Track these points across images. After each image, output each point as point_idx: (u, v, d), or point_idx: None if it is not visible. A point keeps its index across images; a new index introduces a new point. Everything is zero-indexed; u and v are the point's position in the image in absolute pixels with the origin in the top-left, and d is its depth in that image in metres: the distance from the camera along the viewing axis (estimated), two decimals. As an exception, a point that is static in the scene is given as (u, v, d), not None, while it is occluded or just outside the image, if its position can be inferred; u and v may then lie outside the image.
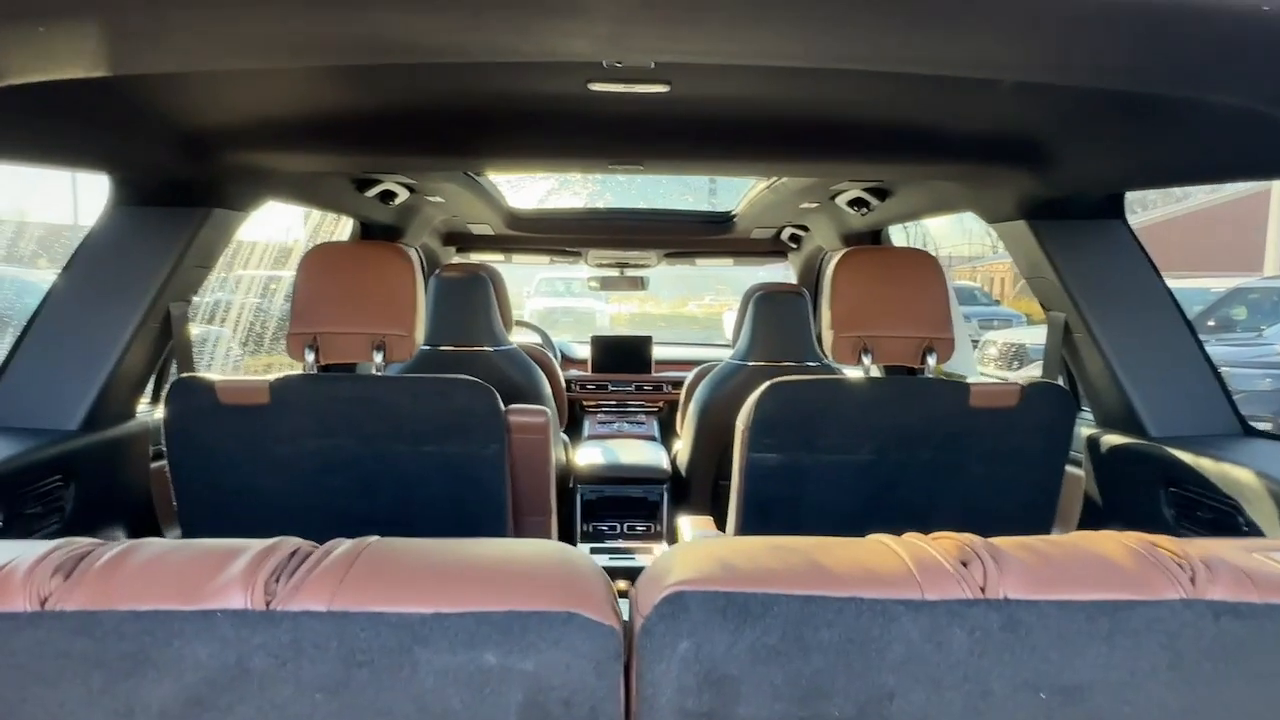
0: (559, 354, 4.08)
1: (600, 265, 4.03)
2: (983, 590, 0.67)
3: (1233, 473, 1.35)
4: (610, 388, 4.09)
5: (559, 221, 3.55)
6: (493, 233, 3.62)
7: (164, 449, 1.62)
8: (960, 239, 19.35)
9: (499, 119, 1.52)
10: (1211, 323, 9.53)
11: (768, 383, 1.68)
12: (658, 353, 4.15)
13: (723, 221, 3.54)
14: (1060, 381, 1.89)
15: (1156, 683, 0.67)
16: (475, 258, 3.95)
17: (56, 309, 1.59)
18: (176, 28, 0.62)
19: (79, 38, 0.64)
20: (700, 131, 1.59)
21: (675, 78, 1.14)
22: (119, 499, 1.70)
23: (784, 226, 3.50)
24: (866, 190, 2.39)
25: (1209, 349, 1.63)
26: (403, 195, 2.53)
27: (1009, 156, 1.52)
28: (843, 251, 1.78)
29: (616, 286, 4.14)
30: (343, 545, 0.72)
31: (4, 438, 1.43)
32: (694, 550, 0.74)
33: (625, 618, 0.71)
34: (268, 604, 0.65)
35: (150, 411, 1.86)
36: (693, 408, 2.81)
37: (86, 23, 0.60)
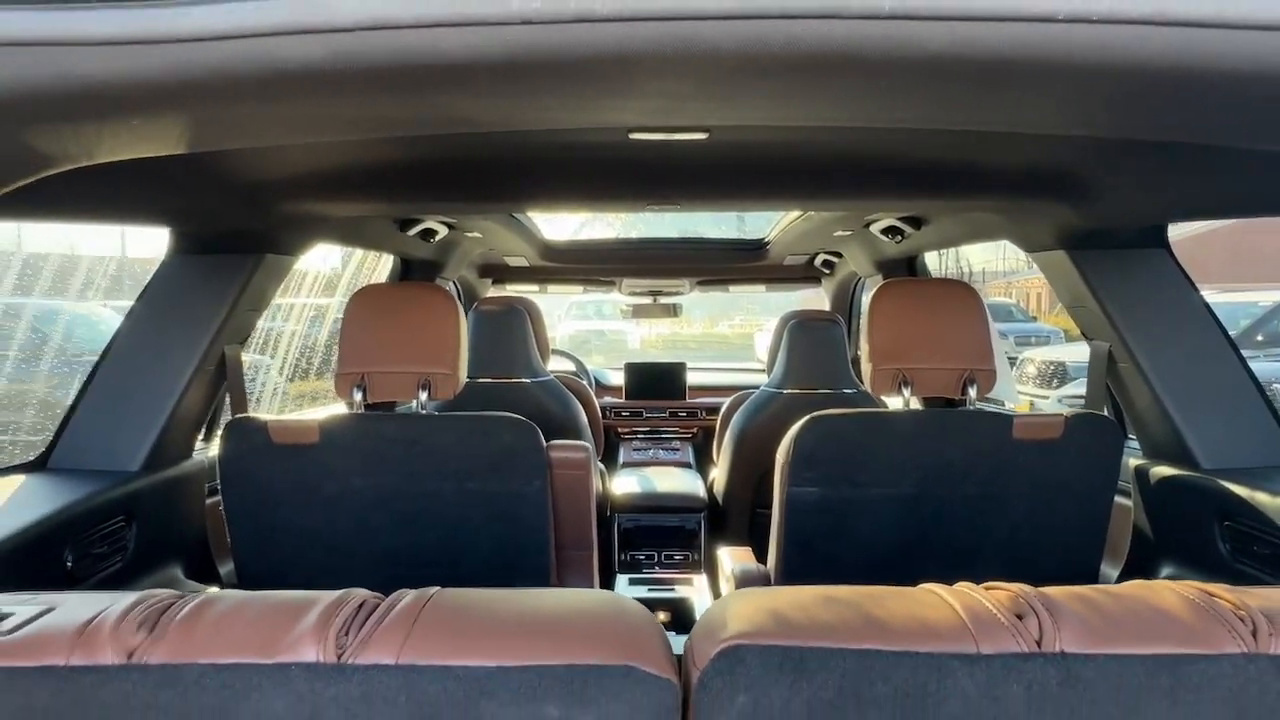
0: (593, 381, 4.12)
1: (634, 294, 4.07)
2: (1039, 644, 0.67)
3: None
4: (645, 414, 4.11)
5: (593, 252, 3.60)
6: (528, 264, 3.68)
7: (218, 486, 1.67)
8: (993, 254, 19.10)
9: (541, 166, 1.56)
10: (1260, 338, 9.26)
11: (807, 417, 1.69)
12: (691, 378, 4.17)
13: (755, 249, 3.56)
14: (1106, 412, 1.86)
15: None
16: (511, 289, 4.02)
17: (120, 354, 1.66)
18: (256, 114, 0.66)
19: (166, 126, 0.68)
20: (736, 172, 1.62)
21: (714, 127, 1.17)
22: (176, 536, 1.75)
23: (817, 253, 3.51)
24: (901, 220, 2.40)
25: (1257, 365, 1.60)
26: (442, 232, 2.60)
27: (1045, 190, 1.52)
28: (881, 283, 1.78)
29: (650, 314, 4.18)
30: (407, 597, 0.75)
31: (73, 481, 1.50)
32: (747, 602, 0.75)
33: (677, 661, 0.72)
34: (339, 657, 0.67)
35: (204, 450, 1.92)
36: (729, 435, 2.81)
37: (176, 115, 0.64)
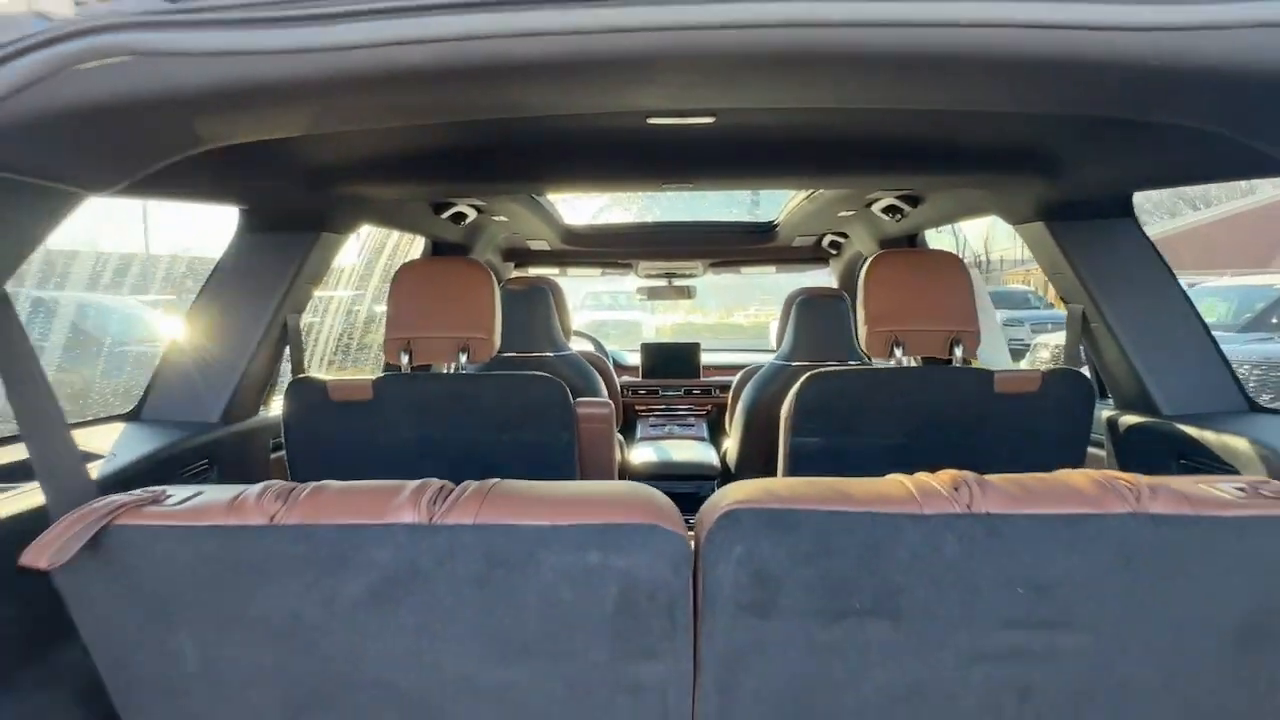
0: (611, 361, 4.32)
1: (649, 276, 4.26)
2: (969, 507, 0.87)
3: (1233, 443, 1.49)
4: (661, 392, 4.31)
5: (610, 235, 3.80)
6: (549, 248, 3.88)
7: (282, 441, 1.89)
8: (1009, 243, 19.06)
9: (566, 150, 1.76)
10: (1275, 319, 9.29)
11: (809, 374, 1.88)
12: (705, 359, 4.36)
13: (765, 231, 3.73)
14: (1086, 371, 2.03)
15: (1110, 579, 0.86)
16: (533, 271, 4.23)
17: (198, 319, 1.88)
18: (367, 103, 0.87)
19: (297, 114, 0.89)
20: (742, 153, 1.80)
21: (721, 112, 1.36)
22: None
23: (824, 234, 3.68)
24: (899, 198, 2.57)
25: (1272, 346, 1.75)
26: (471, 215, 2.80)
27: (1023, 166, 1.70)
28: (875, 254, 1.97)
29: (665, 296, 4.37)
30: (474, 484, 0.95)
31: (163, 429, 1.72)
32: (744, 484, 0.95)
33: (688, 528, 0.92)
34: (429, 520, 0.88)
35: (265, 410, 2.14)
36: (740, 407, 3.00)
37: (309, 105, 0.85)
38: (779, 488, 0.92)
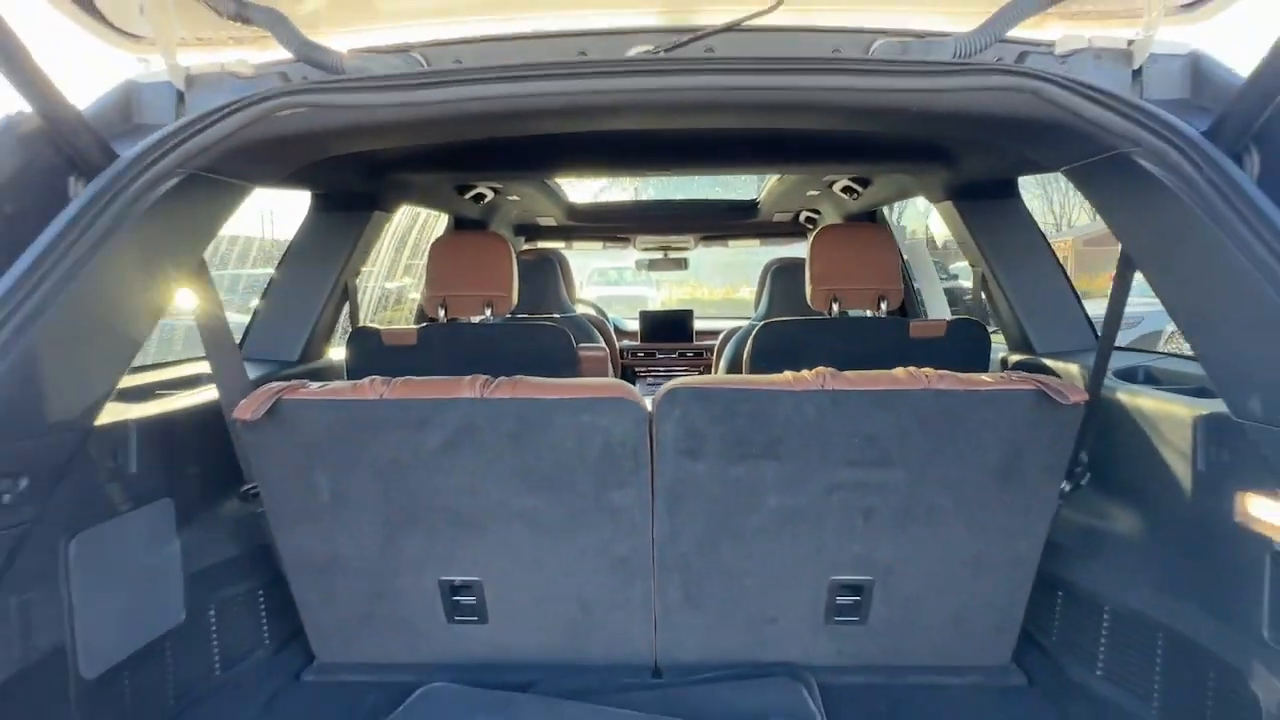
0: (613, 327, 4.82)
1: (646, 249, 4.74)
2: (823, 386, 1.36)
3: (1069, 369, 1.98)
4: (658, 355, 4.81)
5: (610, 212, 4.27)
6: (556, 224, 4.36)
7: (344, 379, 2.40)
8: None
9: (569, 144, 2.24)
10: None
11: (763, 323, 2.37)
12: (699, 325, 4.85)
13: (749, 208, 4.20)
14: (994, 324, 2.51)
15: (913, 433, 1.36)
16: (541, 245, 4.71)
17: (281, 279, 2.38)
18: (436, 130, 1.36)
19: (383, 135, 1.38)
20: (712, 147, 2.28)
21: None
22: None
23: (799, 211, 4.15)
24: (852, 180, 3.04)
25: None
26: (489, 195, 3.29)
27: (927, 159, 2.17)
28: (820, 228, 2.45)
29: (661, 267, 4.85)
30: (509, 378, 1.45)
31: (261, 364, 2.23)
32: (685, 377, 1.45)
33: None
34: (482, 395, 1.38)
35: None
36: (723, 363, 3.50)
37: (395, 132, 1.34)
38: (704, 380, 1.42)
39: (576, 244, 4.76)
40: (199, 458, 1.59)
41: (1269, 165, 1.13)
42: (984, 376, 1.37)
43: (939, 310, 3.36)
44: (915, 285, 3.46)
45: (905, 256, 3.48)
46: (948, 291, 3.95)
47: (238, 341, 2.36)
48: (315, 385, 1.44)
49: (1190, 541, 1.36)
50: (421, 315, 2.28)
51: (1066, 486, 1.51)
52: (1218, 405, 1.27)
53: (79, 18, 1.31)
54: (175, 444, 1.52)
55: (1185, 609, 1.35)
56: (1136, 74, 1.30)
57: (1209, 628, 1.28)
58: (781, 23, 1.31)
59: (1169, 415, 1.39)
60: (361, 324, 2.49)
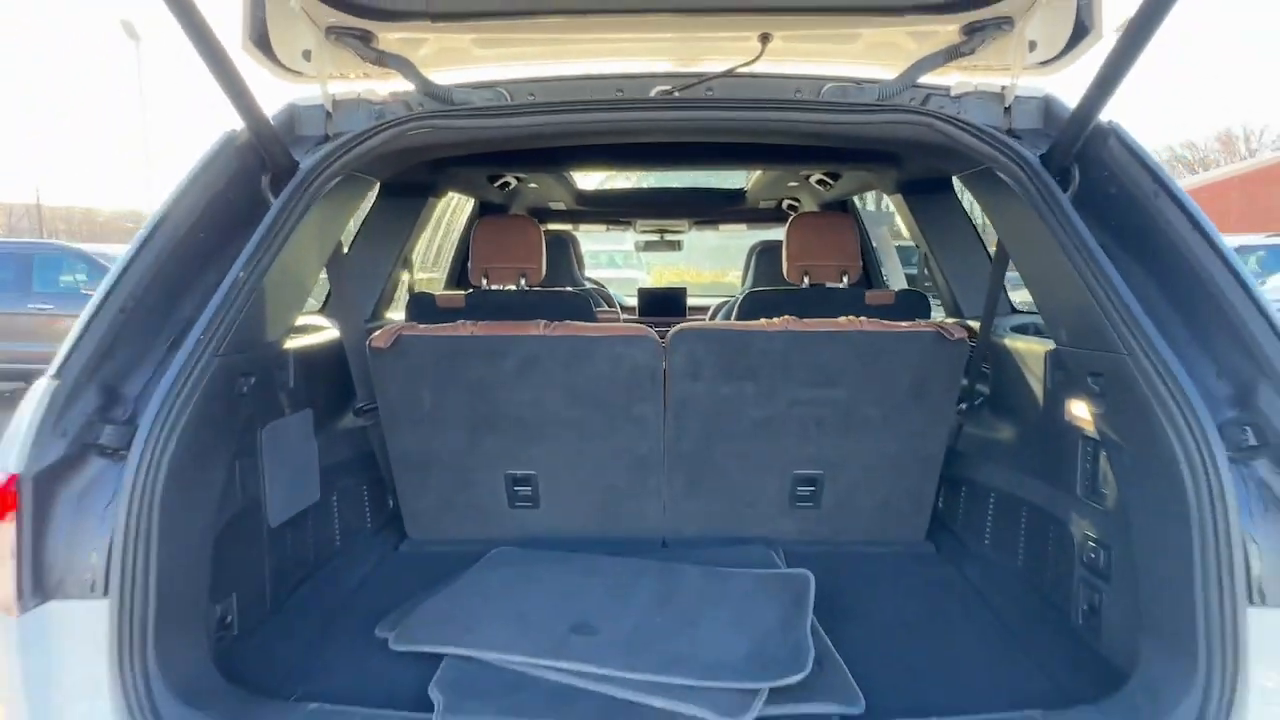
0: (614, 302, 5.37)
1: (644, 232, 5.28)
2: (786, 328, 1.93)
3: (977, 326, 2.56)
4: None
5: (614, 199, 4.81)
6: (566, 208, 4.90)
7: None
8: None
9: (584, 147, 2.78)
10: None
11: (749, 292, 2.93)
12: (691, 301, 5.41)
13: (737, 196, 4.75)
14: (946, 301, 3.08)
15: (850, 362, 1.93)
16: (553, 227, 5.25)
17: (354, 252, 2.92)
18: (496, 141, 1.90)
19: (464, 147, 1.92)
20: (705, 148, 2.83)
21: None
22: None
23: (781, 199, 4.71)
24: (824, 173, 3.61)
25: None
26: (513, 184, 3.83)
27: (877, 161, 2.73)
28: (794, 216, 3.01)
29: (658, 249, 5.40)
30: (561, 322, 2.01)
31: (337, 321, 2.77)
32: (690, 323, 2.01)
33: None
34: (545, 333, 1.94)
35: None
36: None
37: (476, 143, 1.88)
38: (705, 325, 1.98)
39: (582, 226, 5.29)
40: (327, 381, 2.14)
41: (1086, 177, 1.69)
42: (900, 323, 1.94)
43: (898, 283, 3.94)
44: (880, 263, 4.04)
45: (874, 243, 4.07)
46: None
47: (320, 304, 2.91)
48: (420, 327, 1.99)
49: (1044, 440, 1.93)
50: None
51: (964, 406, 2.09)
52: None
53: (260, 59, 1.84)
54: (313, 369, 2.06)
55: (1038, 486, 1.93)
56: (1007, 110, 1.85)
57: (1049, 495, 1.87)
58: (760, 70, 1.86)
59: (1030, 352, 1.97)
60: (416, 291, 3.04)
